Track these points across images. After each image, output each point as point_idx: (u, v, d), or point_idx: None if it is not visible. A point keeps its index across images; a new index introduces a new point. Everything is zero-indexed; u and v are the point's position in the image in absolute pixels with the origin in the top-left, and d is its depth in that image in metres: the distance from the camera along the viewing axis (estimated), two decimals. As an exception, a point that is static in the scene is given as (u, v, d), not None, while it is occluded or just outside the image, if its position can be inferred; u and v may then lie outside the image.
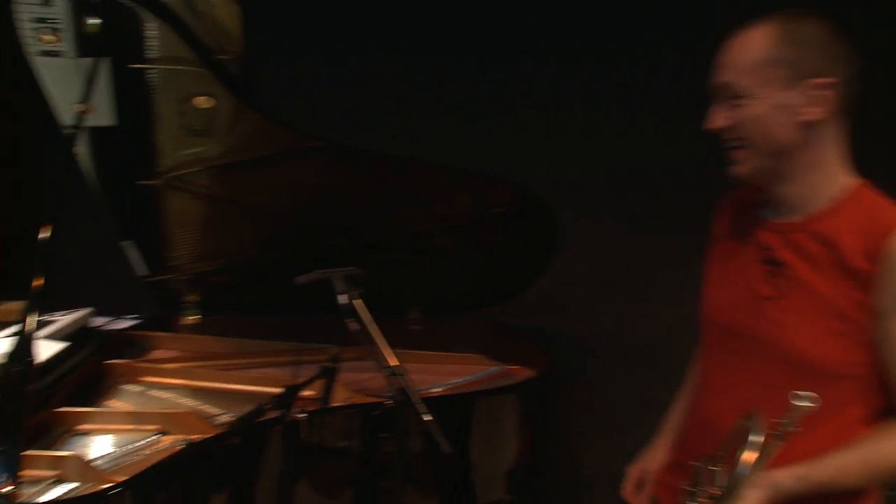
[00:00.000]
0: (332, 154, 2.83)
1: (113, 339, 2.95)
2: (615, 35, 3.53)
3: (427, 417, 2.11)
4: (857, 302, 1.53)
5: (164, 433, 2.30)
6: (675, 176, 3.53)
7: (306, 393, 2.69)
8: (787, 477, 1.51)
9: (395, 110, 3.65)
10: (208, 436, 2.19)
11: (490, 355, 3.18)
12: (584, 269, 3.46)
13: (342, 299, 2.30)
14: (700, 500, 1.55)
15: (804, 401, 1.36)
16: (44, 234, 1.96)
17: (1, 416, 1.69)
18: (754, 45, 1.56)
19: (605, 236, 3.50)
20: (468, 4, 3.59)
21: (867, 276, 1.51)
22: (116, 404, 2.55)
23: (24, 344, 1.79)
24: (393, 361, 2.20)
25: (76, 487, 1.96)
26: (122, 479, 1.89)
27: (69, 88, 2.43)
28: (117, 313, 3.18)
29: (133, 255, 3.00)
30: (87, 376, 2.63)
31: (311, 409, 2.15)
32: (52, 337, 2.68)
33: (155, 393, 2.65)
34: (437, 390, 2.79)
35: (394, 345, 2.23)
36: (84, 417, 2.32)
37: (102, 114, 2.63)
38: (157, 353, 3.04)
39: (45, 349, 2.48)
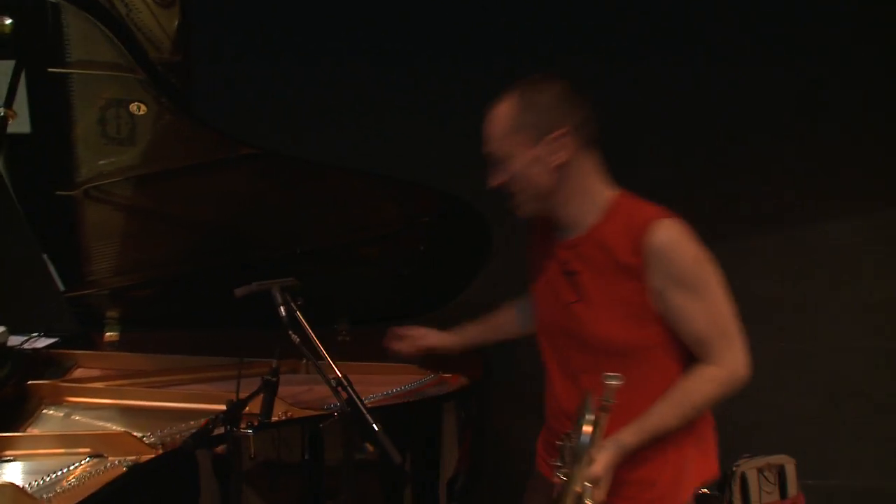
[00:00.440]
0: (259, 163, 2.77)
1: (32, 359, 2.80)
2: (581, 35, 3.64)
3: (376, 427, 2.08)
4: (636, 289, 1.88)
5: (96, 455, 2.21)
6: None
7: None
8: (627, 433, 1.88)
9: (330, 116, 3.65)
10: (151, 456, 2.11)
11: (422, 364, 3.17)
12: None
13: (282, 311, 2.25)
14: (562, 472, 1.87)
15: (612, 379, 1.70)
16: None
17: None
18: (501, 119, 1.92)
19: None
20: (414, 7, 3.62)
21: (637, 268, 1.87)
22: (42, 427, 2.44)
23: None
24: (337, 373, 2.16)
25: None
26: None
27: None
28: (32, 331, 3.02)
29: (52, 269, 2.86)
30: (6, 399, 2.49)
31: (256, 424, 2.09)
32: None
33: (81, 414, 2.55)
34: (370, 402, 2.77)
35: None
36: (9, 443, 2.20)
37: (17, 121, 2.51)
38: (79, 372, 2.92)
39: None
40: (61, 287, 2.92)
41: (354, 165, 2.92)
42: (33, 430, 2.42)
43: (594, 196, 1.96)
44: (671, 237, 1.87)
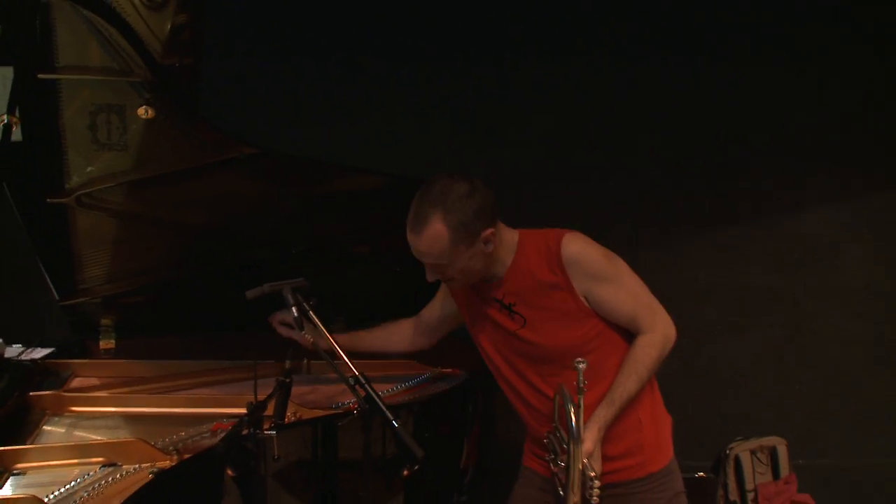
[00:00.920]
0: (253, 163, 2.73)
1: (29, 370, 2.75)
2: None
3: (396, 423, 2.08)
4: (565, 298, 2.19)
5: (110, 464, 2.17)
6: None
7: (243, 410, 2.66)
8: (601, 409, 2.16)
9: (340, 112, 3.65)
10: (165, 462, 2.08)
11: (421, 359, 3.17)
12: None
13: (294, 312, 2.23)
14: (560, 460, 2.11)
15: (580, 363, 1.97)
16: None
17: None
18: (436, 241, 2.11)
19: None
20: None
21: (560, 282, 2.18)
22: (48, 439, 2.39)
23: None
24: (354, 371, 2.16)
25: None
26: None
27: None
28: (25, 342, 2.96)
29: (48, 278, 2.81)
30: (9, 411, 2.44)
31: (276, 426, 2.08)
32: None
33: (85, 424, 2.51)
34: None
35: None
36: (21, 455, 2.15)
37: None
38: (77, 382, 2.87)
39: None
40: (56, 296, 2.85)
41: (365, 162, 2.91)
42: (40, 442, 2.36)
43: (507, 244, 2.25)
44: (579, 246, 2.19)
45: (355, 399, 2.70)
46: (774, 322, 3.92)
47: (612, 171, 3.79)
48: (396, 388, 2.89)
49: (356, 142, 3.17)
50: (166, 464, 2.19)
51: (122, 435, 2.44)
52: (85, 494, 2.01)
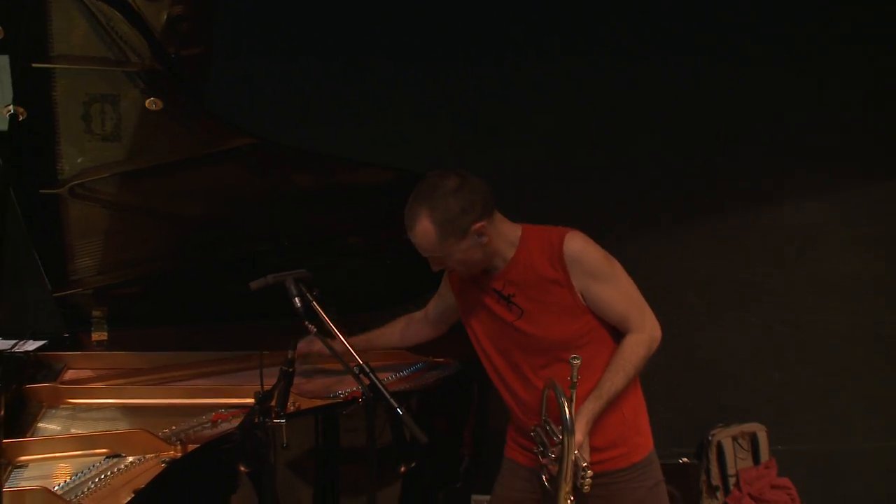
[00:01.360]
0: (247, 155, 2.73)
1: (23, 362, 2.73)
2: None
3: (401, 411, 2.11)
4: (564, 294, 2.26)
5: (114, 455, 2.18)
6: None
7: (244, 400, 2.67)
8: (589, 402, 2.23)
9: (347, 111, 3.67)
10: (169, 453, 2.09)
11: (412, 349, 3.20)
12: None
13: (297, 302, 2.25)
14: (551, 451, 2.17)
15: (575, 359, 2.04)
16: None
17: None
18: (427, 237, 2.20)
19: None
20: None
21: (560, 278, 2.25)
22: (49, 431, 2.38)
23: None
24: (358, 360, 2.18)
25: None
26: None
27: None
28: (16, 335, 2.94)
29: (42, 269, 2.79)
30: (7, 404, 2.41)
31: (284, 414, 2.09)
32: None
33: (83, 415, 2.50)
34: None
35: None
36: (25, 448, 2.14)
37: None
38: (70, 374, 2.85)
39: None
40: (50, 287, 2.84)
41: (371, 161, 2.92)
42: (39, 435, 2.35)
43: (508, 237, 2.32)
44: (580, 245, 2.27)
45: (352, 388, 2.79)
46: (756, 313, 4.00)
47: (606, 168, 3.84)
48: (391, 377, 2.92)
49: (361, 140, 3.18)
50: (171, 454, 2.20)
51: (121, 426, 2.44)
52: (92, 485, 2.01)
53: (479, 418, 2.92)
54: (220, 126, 2.61)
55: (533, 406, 2.30)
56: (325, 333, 2.23)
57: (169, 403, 2.65)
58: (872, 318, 4.02)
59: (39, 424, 2.43)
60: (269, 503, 1.95)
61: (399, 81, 3.69)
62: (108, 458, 2.17)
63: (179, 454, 2.20)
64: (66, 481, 2.02)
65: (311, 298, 2.27)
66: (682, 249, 3.95)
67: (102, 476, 2.06)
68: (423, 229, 2.19)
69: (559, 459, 2.11)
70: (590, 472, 2.09)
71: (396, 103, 3.70)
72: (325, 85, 3.65)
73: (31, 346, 2.88)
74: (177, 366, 2.94)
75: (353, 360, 2.19)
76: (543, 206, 3.72)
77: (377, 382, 2.16)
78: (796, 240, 3.98)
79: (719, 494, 3.86)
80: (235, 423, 2.48)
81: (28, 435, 2.33)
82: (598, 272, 2.28)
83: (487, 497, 2.59)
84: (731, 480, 3.87)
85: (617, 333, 2.33)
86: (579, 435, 2.16)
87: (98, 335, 3.02)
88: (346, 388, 2.79)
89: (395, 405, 2.11)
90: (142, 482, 2.03)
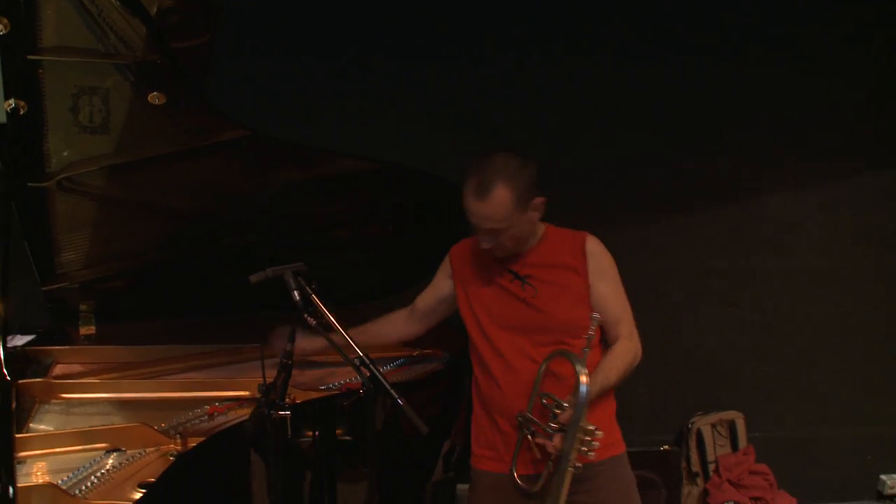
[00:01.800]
0: (239, 148, 2.71)
1: (13, 358, 2.68)
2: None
3: (401, 402, 2.12)
4: (577, 281, 2.44)
5: (115, 450, 2.17)
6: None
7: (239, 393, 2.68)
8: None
9: (350, 111, 3.67)
10: (169, 446, 2.09)
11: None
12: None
13: (296, 295, 2.25)
14: (552, 424, 2.27)
15: (595, 316, 2.31)
16: None
17: None
18: (502, 204, 2.30)
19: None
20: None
21: (579, 266, 2.44)
22: (45, 427, 2.36)
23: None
24: (358, 351, 2.19)
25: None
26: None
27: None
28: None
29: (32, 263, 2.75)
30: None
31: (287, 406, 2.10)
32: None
33: (77, 410, 2.49)
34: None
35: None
36: (25, 443, 2.13)
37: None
38: (59, 368, 2.82)
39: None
40: (39, 281, 2.81)
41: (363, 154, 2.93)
42: (33, 431, 2.34)
43: (536, 228, 2.48)
44: (599, 246, 2.50)
45: (346, 380, 2.81)
46: (734, 303, 4.08)
47: (588, 162, 3.87)
48: (383, 369, 2.92)
49: (364, 140, 3.18)
50: (171, 447, 2.20)
51: (115, 420, 2.42)
52: (95, 479, 2.01)
53: (469, 409, 2.94)
54: (212, 118, 2.59)
55: (525, 388, 2.38)
56: (324, 326, 2.24)
57: (162, 397, 2.63)
58: (846, 309, 4.13)
59: (34, 420, 2.40)
60: (275, 493, 1.96)
61: (402, 81, 3.70)
62: (107, 452, 2.16)
63: (179, 446, 2.20)
64: (68, 476, 2.02)
65: (310, 291, 2.28)
66: (662, 241, 4.01)
67: (104, 471, 2.06)
68: (501, 198, 2.29)
69: (568, 427, 2.23)
70: (599, 433, 2.25)
71: (399, 103, 3.71)
72: (328, 85, 3.64)
73: (20, 340, 2.84)
74: (168, 359, 2.92)
75: (353, 353, 2.20)
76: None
77: (378, 374, 2.17)
78: (774, 232, 4.07)
79: (699, 480, 3.94)
80: (231, 415, 2.52)
81: (24, 431, 2.31)
82: (609, 272, 2.48)
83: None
84: (711, 467, 3.95)
85: (605, 345, 2.48)
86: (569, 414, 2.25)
87: (86, 329, 2.99)
88: (339, 379, 2.81)
89: (396, 396, 2.13)
90: (145, 475, 2.04)
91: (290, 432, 2.01)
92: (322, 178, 3.00)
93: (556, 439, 2.28)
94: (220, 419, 2.45)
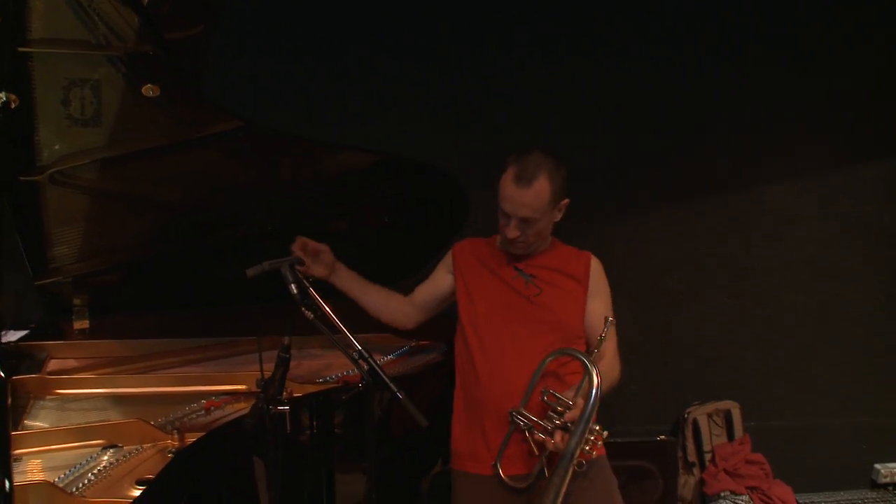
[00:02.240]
0: (234, 139, 2.68)
1: (6, 353, 2.67)
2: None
3: (401, 395, 2.11)
4: (578, 290, 2.53)
5: (111, 446, 2.15)
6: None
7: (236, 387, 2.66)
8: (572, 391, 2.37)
9: (352, 111, 3.65)
10: (166, 442, 2.07)
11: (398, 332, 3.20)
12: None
13: (293, 288, 2.24)
14: (555, 421, 2.30)
15: (609, 321, 2.45)
16: None
17: None
18: (543, 195, 2.40)
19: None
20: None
21: (582, 276, 2.54)
22: (40, 423, 2.34)
23: None
24: (357, 345, 2.18)
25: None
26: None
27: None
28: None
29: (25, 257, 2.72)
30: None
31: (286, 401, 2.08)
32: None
33: (72, 406, 2.46)
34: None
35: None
36: (20, 441, 2.11)
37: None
38: (53, 364, 2.79)
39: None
40: (32, 275, 2.78)
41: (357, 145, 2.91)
42: (29, 427, 2.31)
43: (547, 238, 2.58)
44: (600, 267, 2.61)
45: (342, 373, 2.79)
46: (730, 293, 4.07)
47: (583, 153, 3.83)
48: (380, 360, 2.91)
49: (367, 140, 3.14)
50: (168, 443, 2.18)
51: (111, 416, 2.40)
52: (92, 477, 1.99)
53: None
54: (206, 109, 2.55)
55: (513, 385, 2.39)
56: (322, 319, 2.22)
57: (158, 392, 2.61)
58: (840, 299, 4.13)
59: (28, 416, 2.38)
60: (274, 488, 1.94)
61: (404, 81, 3.68)
62: (104, 448, 2.14)
63: (177, 442, 2.18)
64: (64, 474, 1.99)
65: (307, 285, 2.26)
66: (661, 232, 4.01)
67: (101, 467, 2.04)
68: (542, 188, 2.39)
69: (576, 424, 2.25)
70: (604, 433, 2.31)
71: (401, 103, 3.69)
72: (331, 84, 3.62)
73: (13, 336, 2.82)
74: (163, 353, 2.90)
75: (352, 346, 2.19)
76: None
77: (377, 367, 2.16)
78: (773, 223, 4.06)
79: (696, 470, 3.94)
80: (228, 409, 2.50)
81: (19, 428, 2.29)
82: (604, 294, 2.59)
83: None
84: (707, 456, 3.96)
85: None
86: (576, 411, 2.29)
87: (79, 324, 2.96)
88: (336, 372, 2.79)
89: (396, 389, 2.11)
90: (143, 472, 2.02)
91: (289, 427, 1.98)
92: (319, 169, 2.98)
93: (558, 436, 2.29)
94: (216, 413, 2.43)
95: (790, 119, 4.00)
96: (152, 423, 2.26)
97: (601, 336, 2.42)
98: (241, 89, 3.41)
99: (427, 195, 3.15)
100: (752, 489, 3.87)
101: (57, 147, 2.60)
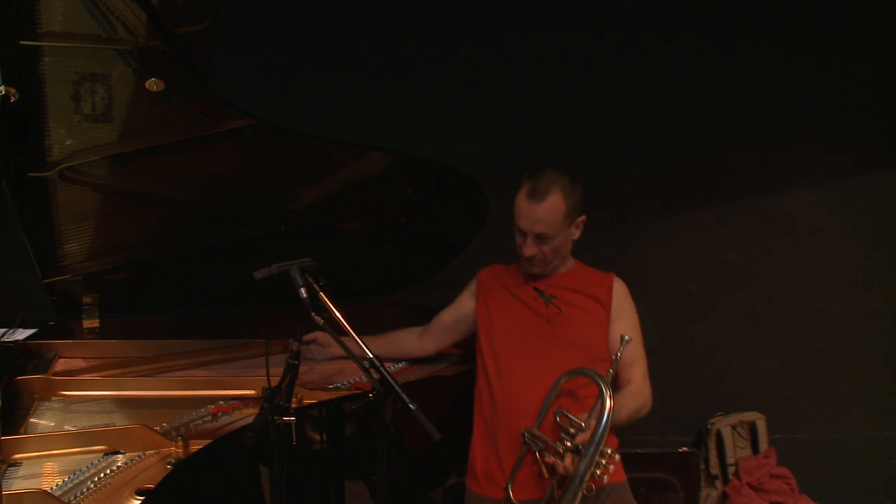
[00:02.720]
0: (247, 137, 2.63)
1: (13, 352, 2.62)
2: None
3: (413, 406, 2.03)
4: (600, 312, 2.51)
5: (113, 452, 2.09)
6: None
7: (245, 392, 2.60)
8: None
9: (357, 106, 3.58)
10: (170, 449, 2.00)
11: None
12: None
13: (303, 293, 2.16)
14: (567, 442, 2.24)
15: (626, 339, 2.37)
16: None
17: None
18: (555, 210, 2.41)
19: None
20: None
21: (604, 299, 2.52)
22: (42, 426, 2.28)
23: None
24: (368, 353, 2.10)
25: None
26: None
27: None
28: (4, 323, 2.83)
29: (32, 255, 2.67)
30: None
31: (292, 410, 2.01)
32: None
33: (78, 408, 2.40)
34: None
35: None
36: (19, 445, 2.05)
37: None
38: (62, 363, 2.74)
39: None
40: (39, 273, 2.73)
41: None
42: (32, 430, 2.26)
43: (569, 253, 2.59)
44: (625, 289, 2.59)
45: (355, 379, 2.72)
46: (754, 300, 3.96)
47: (603, 155, 3.77)
48: (392, 367, 2.84)
49: (371, 137, 3.09)
50: (171, 450, 2.12)
51: (117, 419, 2.34)
52: (91, 485, 1.92)
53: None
54: (218, 107, 2.49)
55: (528, 407, 2.36)
56: (333, 325, 2.15)
57: (166, 395, 2.55)
58: (867, 307, 4.00)
59: (32, 418, 2.32)
60: (279, 503, 1.87)
61: (405, 72, 3.63)
62: (106, 455, 2.08)
63: (181, 450, 2.12)
64: (63, 481, 1.93)
65: (317, 289, 2.19)
66: (682, 237, 3.90)
67: (102, 475, 1.97)
68: (556, 202, 2.40)
69: (586, 447, 2.20)
70: (617, 457, 2.25)
71: (404, 95, 3.63)
72: (327, 76, 3.56)
73: (21, 334, 2.77)
74: (173, 355, 2.84)
75: (363, 354, 2.11)
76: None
77: (388, 377, 2.08)
78: (794, 229, 3.95)
79: (718, 483, 3.84)
80: (236, 415, 2.43)
81: (21, 430, 2.23)
82: (630, 316, 2.55)
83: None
84: (731, 469, 3.85)
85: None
86: (588, 433, 2.24)
87: (89, 322, 2.91)
88: (348, 378, 2.72)
89: (408, 400, 2.04)
90: (143, 481, 1.96)
91: (295, 439, 1.90)
92: (333, 168, 2.91)
93: (568, 459, 2.24)
94: (224, 419, 2.37)
95: (816, 124, 3.88)
96: (157, 428, 2.20)
97: (615, 356, 2.35)
98: (245, 83, 3.36)
99: (445, 196, 3.07)
100: (776, 504, 3.77)
101: (67, 143, 2.55)
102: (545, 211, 2.39)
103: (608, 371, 2.33)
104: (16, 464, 2.03)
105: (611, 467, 2.22)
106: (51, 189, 2.61)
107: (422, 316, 3.24)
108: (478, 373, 2.56)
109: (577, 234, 2.51)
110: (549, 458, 2.26)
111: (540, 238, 2.43)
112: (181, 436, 2.15)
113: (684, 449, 3.80)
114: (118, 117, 2.51)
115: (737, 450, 3.88)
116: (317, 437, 2.26)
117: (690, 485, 3.72)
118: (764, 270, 3.96)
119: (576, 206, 2.45)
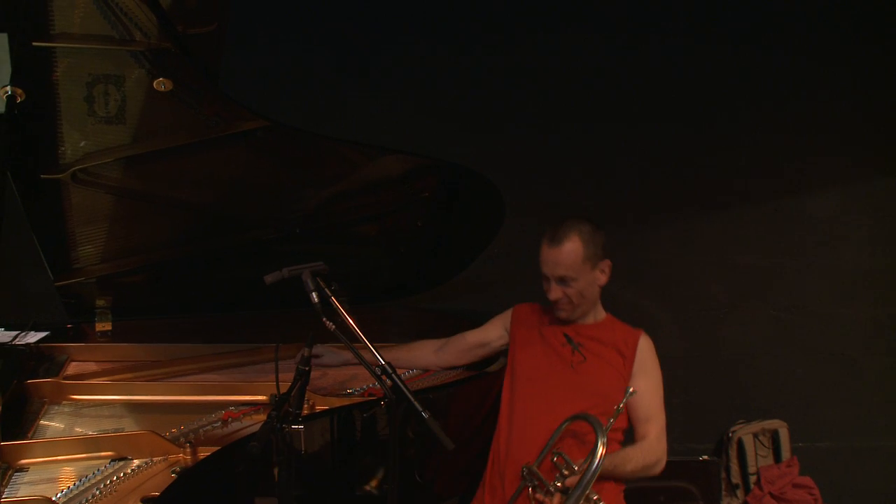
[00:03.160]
0: (260, 139, 2.60)
1: (25, 355, 2.61)
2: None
3: (425, 415, 1.98)
4: (622, 365, 2.56)
5: (120, 458, 2.06)
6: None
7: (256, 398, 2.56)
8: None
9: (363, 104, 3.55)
10: (178, 455, 1.97)
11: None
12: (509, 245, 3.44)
13: (314, 297, 2.12)
14: (559, 483, 2.30)
15: (630, 392, 2.41)
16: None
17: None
18: (574, 253, 2.49)
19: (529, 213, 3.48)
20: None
21: (628, 354, 2.57)
22: (51, 430, 2.26)
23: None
24: (380, 360, 2.06)
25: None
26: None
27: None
28: (16, 326, 2.82)
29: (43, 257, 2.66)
30: (6, 401, 2.29)
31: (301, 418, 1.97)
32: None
33: (87, 412, 2.38)
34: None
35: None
36: (26, 450, 2.02)
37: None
38: (73, 367, 2.72)
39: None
40: (51, 276, 2.71)
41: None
42: (42, 434, 2.23)
43: (598, 309, 2.66)
44: (650, 345, 2.63)
45: (369, 385, 2.68)
46: (777, 306, 3.89)
47: (626, 159, 3.73)
48: (405, 374, 2.81)
49: (377, 135, 3.06)
50: (180, 456, 2.08)
51: (127, 423, 2.31)
52: (97, 492, 1.89)
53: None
54: (232, 108, 2.47)
55: (539, 443, 2.44)
56: (344, 330, 2.10)
57: (177, 400, 2.52)
58: (891, 312, 3.91)
59: (41, 422, 2.30)
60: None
61: (414, 74, 3.59)
62: (113, 461, 2.05)
63: (189, 457, 2.08)
64: (69, 487, 1.90)
65: (329, 294, 2.15)
66: (703, 241, 3.84)
67: (108, 481, 1.94)
68: (574, 246, 2.49)
69: (571, 491, 2.25)
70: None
71: (414, 96, 3.60)
72: (337, 77, 3.53)
73: (33, 337, 2.75)
74: (185, 359, 2.82)
75: (375, 360, 2.07)
76: (550, 190, 3.66)
77: (401, 384, 2.03)
78: (818, 233, 3.88)
79: (739, 493, 3.77)
80: (247, 421, 2.40)
81: (30, 434, 2.21)
82: (651, 372, 2.59)
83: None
84: (752, 479, 3.77)
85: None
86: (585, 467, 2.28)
87: (102, 325, 2.90)
88: (362, 384, 2.68)
89: (421, 409, 1.99)
90: (149, 488, 1.92)
91: (303, 448, 1.86)
92: (349, 171, 2.87)
93: (556, 499, 2.30)
94: (234, 426, 2.33)
95: (839, 127, 3.81)
96: (166, 434, 2.17)
97: (618, 407, 2.38)
98: (254, 83, 3.32)
99: (462, 199, 3.03)
100: (798, 514, 3.69)
101: (80, 144, 2.53)
102: (563, 254, 2.48)
103: (609, 420, 2.37)
104: (22, 469, 2.01)
105: None
106: (63, 191, 2.60)
107: (439, 321, 3.22)
108: (502, 400, 2.60)
109: (603, 279, 2.57)
110: (540, 496, 2.34)
111: (562, 280, 2.50)
112: (190, 442, 2.12)
113: (705, 457, 3.74)
114: (131, 119, 2.48)
115: (758, 458, 3.80)
116: (327, 444, 2.22)
117: (711, 494, 3.67)
118: (789, 276, 3.89)
119: (597, 251, 2.52)
